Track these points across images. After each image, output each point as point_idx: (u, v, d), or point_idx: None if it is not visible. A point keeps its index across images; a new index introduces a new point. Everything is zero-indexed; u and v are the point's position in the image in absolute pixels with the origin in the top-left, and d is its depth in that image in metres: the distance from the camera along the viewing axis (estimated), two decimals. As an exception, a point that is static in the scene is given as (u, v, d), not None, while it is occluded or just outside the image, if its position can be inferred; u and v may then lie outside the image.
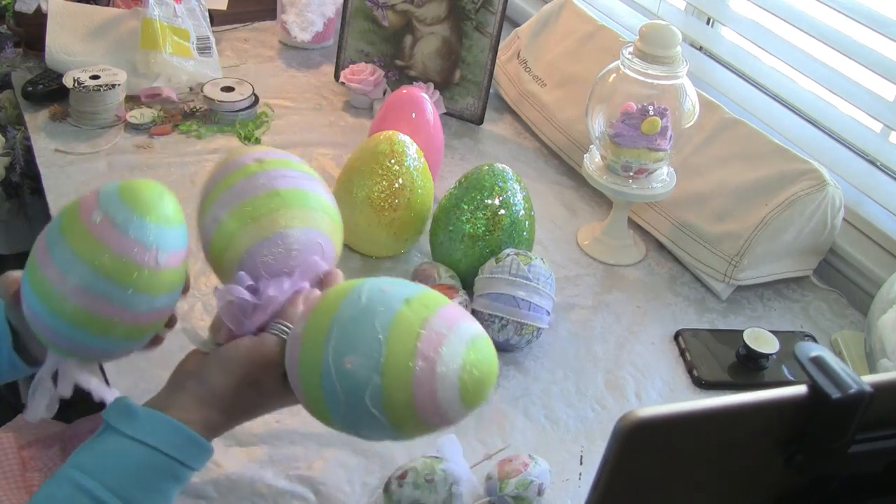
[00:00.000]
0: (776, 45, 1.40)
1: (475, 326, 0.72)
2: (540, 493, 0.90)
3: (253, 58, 1.75)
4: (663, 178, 1.26)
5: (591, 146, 1.29)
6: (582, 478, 0.97)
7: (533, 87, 1.57)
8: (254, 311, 0.78)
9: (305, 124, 1.56)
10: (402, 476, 0.88)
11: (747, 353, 1.11)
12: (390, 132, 1.23)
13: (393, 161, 1.20)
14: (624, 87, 1.21)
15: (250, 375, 0.76)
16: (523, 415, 1.04)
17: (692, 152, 1.31)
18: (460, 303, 1.09)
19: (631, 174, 1.23)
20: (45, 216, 1.32)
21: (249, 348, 0.76)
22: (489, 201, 1.15)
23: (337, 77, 1.66)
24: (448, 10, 1.55)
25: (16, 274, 0.84)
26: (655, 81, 1.19)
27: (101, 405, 0.80)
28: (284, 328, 0.78)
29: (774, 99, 1.45)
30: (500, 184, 1.16)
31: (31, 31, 1.60)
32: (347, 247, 1.25)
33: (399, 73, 1.62)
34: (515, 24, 1.72)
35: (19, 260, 1.21)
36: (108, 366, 1.03)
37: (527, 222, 1.17)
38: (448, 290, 1.09)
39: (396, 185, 1.19)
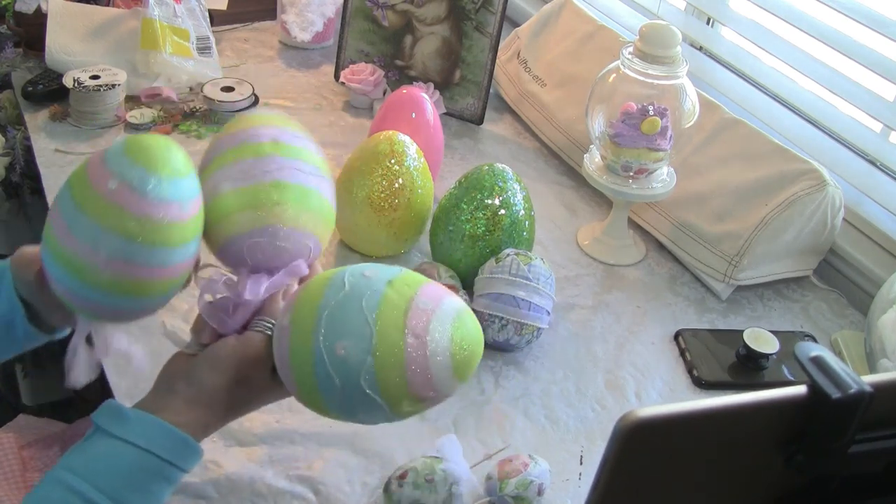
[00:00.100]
0: (776, 45, 1.40)
1: (458, 301, 0.74)
2: (540, 493, 0.90)
3: (253, 58, 1.75)
4: (663, 178, 1.26)
5: (591, 146, 1.29)
6: (582, 478, 0.97)
7: (533, 87, 1.57)
8: (235, 310, 0.78)
9: (305, 124, 1.53)
10: (402, 476, 0.88)
11: (747, 353, 1.11)
12: (390, 132, 1.23)
13: (393, 161, 1.20)
14: (624, 87, 1.21)
15: (240, 373, 0.76)
16: (523, 415, 1.04)
17: (692, 152, 1.31)
18: (460, 303, 1.09)
19: (631, 174, 1.23)
20: (45, 216, 1.32)
21: (237, 346, 0.77)
22: (489, 201, 1.15)
23: (337, 77, 1.66)
24: (448, 10, 1.55)
25: (30, 250, 0.84)
26: (655, 81, 1.19)
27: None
28: (267, 324, 0.79)
29: (774, 99, 1.45)
30: (500, 184, 1.16)
31: (31, 31, 1.60)
32: (347, 247, 1.25)
33: (399, 73, 1.62)
34: (515, 24, 1.72)
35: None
36: (108, 366, 1.03)
37: (527, 222, 1.17)
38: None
39: (396, 185, 1.20)
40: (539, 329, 1.09)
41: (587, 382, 1.09)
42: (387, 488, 0.89)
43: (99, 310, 0.76)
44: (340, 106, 1.63)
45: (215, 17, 1.72)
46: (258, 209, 0.79)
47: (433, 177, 1.28)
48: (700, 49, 1.57)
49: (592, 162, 1.28)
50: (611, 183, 1.25)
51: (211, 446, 0.95)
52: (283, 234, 0.80)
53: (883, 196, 1.26)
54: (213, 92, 1.53)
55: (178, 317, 1.10)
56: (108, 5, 1.64)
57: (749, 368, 1.12)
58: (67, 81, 1.46)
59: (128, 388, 1.00)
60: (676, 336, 1.17)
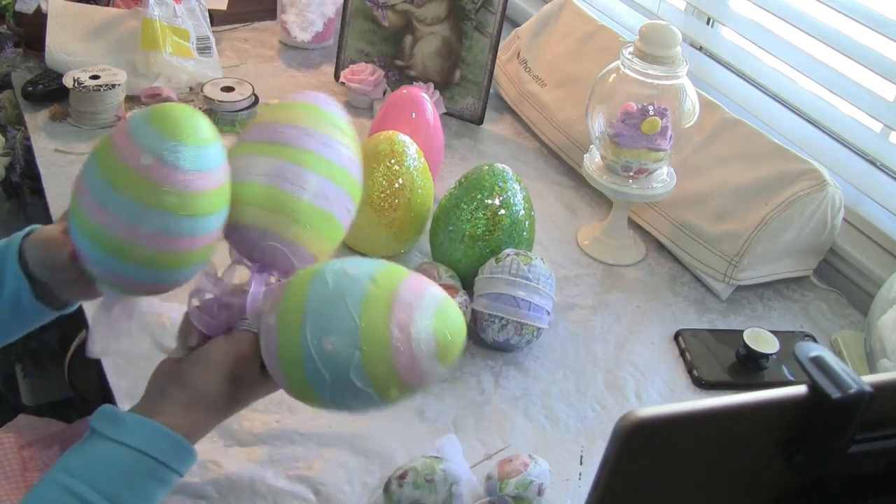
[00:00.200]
0: (776, 45, 1.40)
1: (439, 291, 0.76)
2: (540, 493, 0.90)
3: (253, 58, 1.75)
4: (663, 178, 1.26)
5: (591, 146, 1.29)
6: (582, 478, 0.97)
7: (533, 87, 1.57)
8: (220, 310, 0.79)
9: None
10: (402, 476, 0.88)
11: (747, 353, 1.11)
12: (390, 132, 1.23)
13: (393, 161, 1.20)
14: (624, 87, 1.21)
15: (231, 373, 0.77)
16: (523, 415, 1.04)
17: (692, 152, 1.31)
18: (460, 303, 1.09)
19: (631, 174, 1.23)
20: (45, 216, 1.32)
21: (226, 347, 0.78)
22: (489, 201, 1.15)
23: (337, 77, 1.66)
24: (448, 10, 1.55)
25: (48, 230, 0.83)
26: (655, 81, 1.19)
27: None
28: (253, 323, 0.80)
29: (774, 99, 1.45)
30: (500, 184, 1.16)
31: (31, 31, 1.60)
32: (347, 246, 1.25)
33: (399, 73, 1.62)
34: (515, 24, 1.72)
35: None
36: (108, 366, 1.03)
37: (527, 222, 1.17)
38: (448, 290, 1.09)
39: (396, 185, 1.20)
40: (539, 329, 1.09)
41: (587, 382, 1.09)
42: (387, 488, 0.89)
43: (134, 284, 0.76)
44: (340, 106, 1.62)
45: (215, 17, 1.72)
46: (282, 215, 0.80)
47: (433, 177, 1.28)
48: (700, 49, 1.57)
49: (592, 162, 1.28)
50: (611, 183, 1.25)
51: (211, 446, 0.95)
52: (297, 251, 0.81)
53: (883, 196, 1.26)
54: (213, 92, 1.53)
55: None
56: (108, 5, 1.64)
57: (749, 368, 1.12)
58: (67, 81, 1.46)
59: (128, 388, 1.00)
60: (676, 336, 1.17)
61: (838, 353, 1.16)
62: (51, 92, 1.51)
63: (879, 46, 1.25)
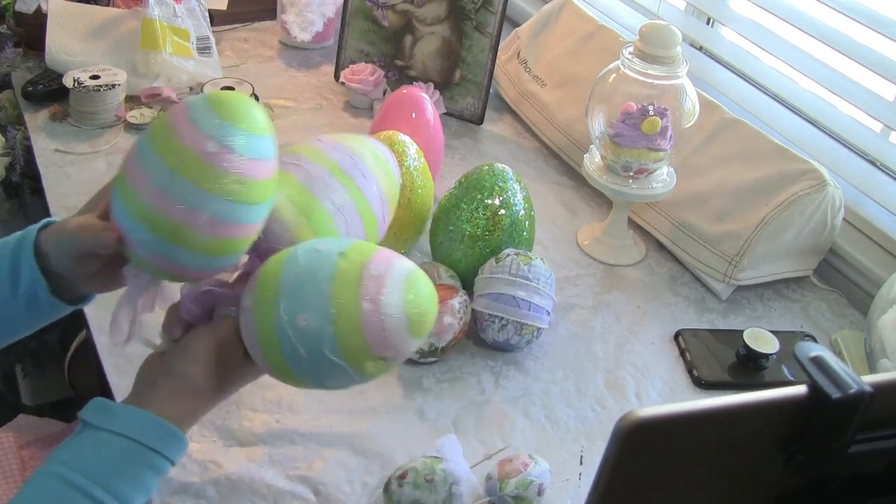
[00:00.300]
0: (776, 45, 1.40)
1: (409, 263, 0.77)
2: (540, 493, 0.90)
3: (253, 58, 1.75)
4: (663, 178, 1.26)
5: (591, 146, 1.29)
6: (582, 478, 0.97)
7: (533, 87, 1.57)
8: (207, 300, 0.80)
9: (305, 124, 1.56)
10: (402, 476, 0.88)
11: (747, 353, 1.11)
12: (390, 132, 1.22)
13: (393, 161, 1.20)
14: (624, 87, 1.21)
15: (217, 358, 0.78)
16: (523, 415, 1.04)
17: (692, 152, 1.31)
18: (460, 303, 1.09)
19: (631, 174, 1.23)
20: (45, 216, 1.31)
21: (209, 334, 0.78)
22: (489, 201, 1.15)
23: (337, 77, 1.66)
24: (448, 10, 1.55)
25: (80, 219, 0.81)
26: (655, 81, 1.19)
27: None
28: (233, 308, 0.80)
29: (774, 99, 1.45)
30: (500, 184, 1.16)
31: (31, 31, 1.60)
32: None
33: (399, 73, 1.62)
34: (515, 24, 1.72)
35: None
36: (108, 366, 1.03)
37: (527, 222, 1.17)
38: (448, 290, 1.09)
39: (396, 185, 1.19)
40: (539, 329, 1.09)
41: (587, 382, 1.09)
42: (387, 488, 0.89)
43: (181, 270, 0.76)
44: (340, 106, 1.63)
45: (215, 17, 1.72)
46: (308, 220, 0.81)
47: (433, 177, 1.28)
48: (700, 49, 1.57)
49: (592, 162, 1.28)
50: (611, 183, 1.25)
51: (211, 446, 0.95)
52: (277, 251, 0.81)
53: (883, 196, 1.26)
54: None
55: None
56: (108, 5, 1.64)
57: (749, 368, 1.12)
58: (67, 81, 1.46)
59: (127, 388, 0.99)
60: (676, 336, 1.17)
61: (838, 353, 1.16)
62: (51, 92, 1.51)
63: (879, 46, 1.25)
